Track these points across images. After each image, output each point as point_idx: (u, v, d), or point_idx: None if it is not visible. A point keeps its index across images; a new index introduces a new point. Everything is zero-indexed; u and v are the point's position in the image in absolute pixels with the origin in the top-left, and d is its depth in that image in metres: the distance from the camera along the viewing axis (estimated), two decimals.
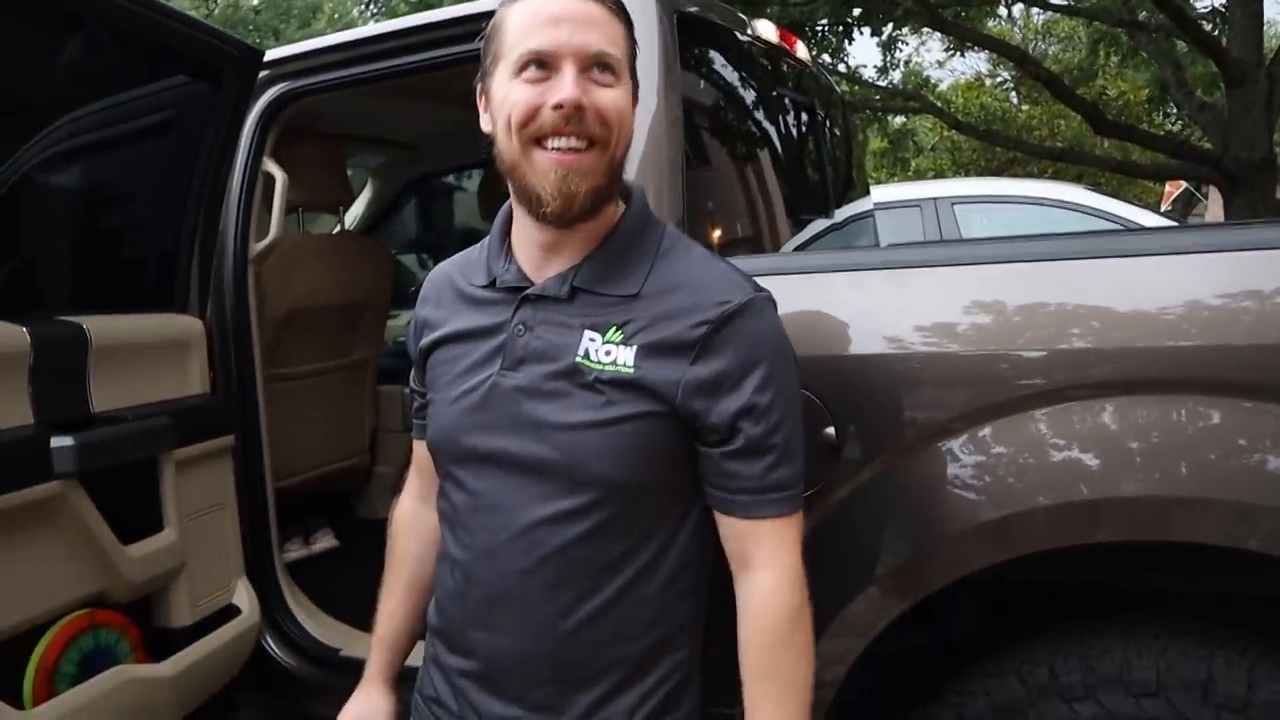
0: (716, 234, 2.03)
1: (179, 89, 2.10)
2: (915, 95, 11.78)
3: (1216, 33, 9.24)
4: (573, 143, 1.15)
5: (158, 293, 2.15)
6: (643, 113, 1.74)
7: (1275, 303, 1.32)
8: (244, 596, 2.21)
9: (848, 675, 1.55)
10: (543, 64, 1.15)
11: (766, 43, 2.40)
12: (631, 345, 1.18)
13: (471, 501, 1.27)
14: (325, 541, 3.19)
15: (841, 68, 10.73)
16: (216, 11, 20.93)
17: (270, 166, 2.50)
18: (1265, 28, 8.49)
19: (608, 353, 1.19)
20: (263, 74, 2.37)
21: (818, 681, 1.26)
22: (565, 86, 1.14)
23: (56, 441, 1.68)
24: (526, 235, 1.26)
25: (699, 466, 1.23)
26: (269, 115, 2.46)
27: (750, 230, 2.24)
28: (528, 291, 1.25)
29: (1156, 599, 1.62)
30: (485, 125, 1.25)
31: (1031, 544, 1.42)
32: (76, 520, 1.73)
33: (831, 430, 1.49)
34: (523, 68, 1.16)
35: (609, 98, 1.17)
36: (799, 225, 2.45)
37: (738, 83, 2.31)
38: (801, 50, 2.62)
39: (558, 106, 1.14)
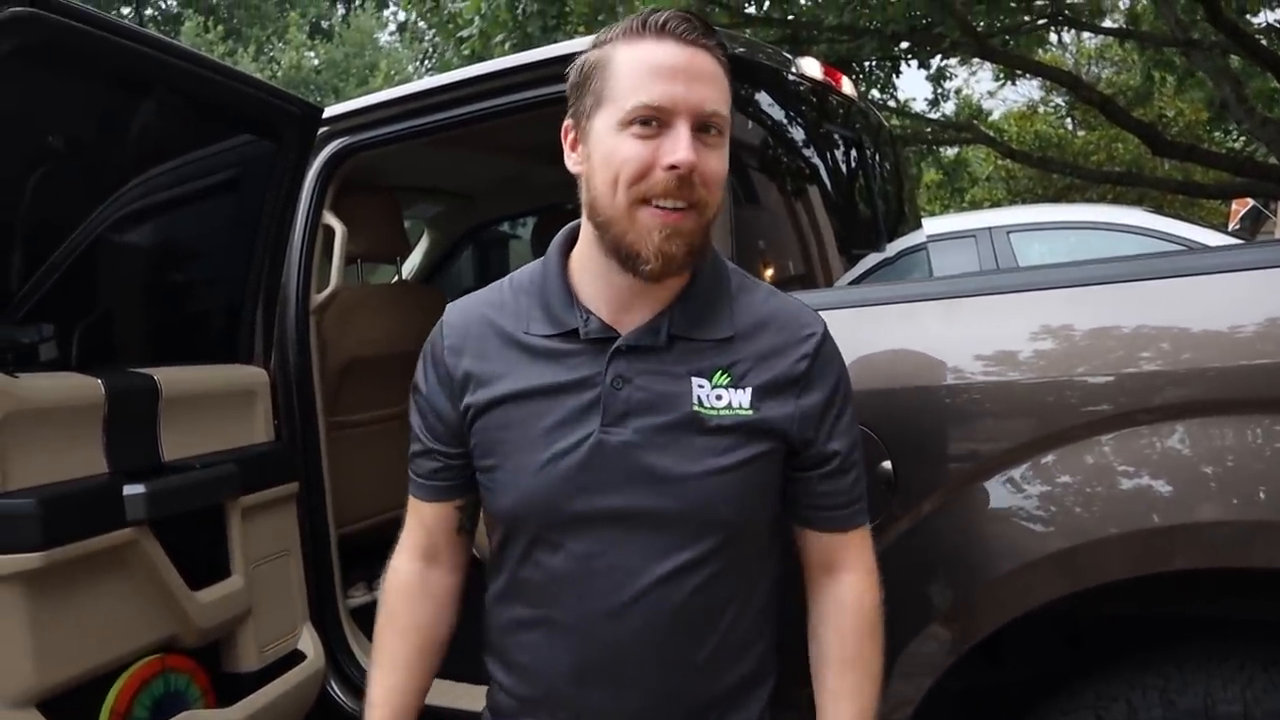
0: (768, 272, 2.03)
1: (243, 147, 2.17)
2: (967, 126, 11.70)
3: (1274, 47, 9.06)
4: (678, 204, 1.14)
5: (224, 344, 2.21)
6: None
7: None
8: (309, 642, 2.24)
9: (914, 716, 1.52)
10: (655, 119, 1.12)
11: (812, 80, 2.41)
12: (744, 387, 1.20)
13: (579, 565, 1.20)
14: None
15: (891, 102, 10.70)
16: (280, 73, 21.60)
17: (330, 219, 2.56)
18: None
19: (719, 397, 1.19)
20: (322, 130, 2.44)
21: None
22: (681, 148, 1.11)
23: (129, 489, 1.72)
24: (607, 285, 1.21)
25: (788, 492, 1.28)
26: (328, 170, 2.52)
27: (802, 267, 2.24)
28: (619, 343, 1.19)
29: (1239, 627, 1.57)
30: (575, 166, 1.22)
31: (1102, 575, 1.39)
32: (148, 566, 1.77)
33: (889, 465, 1.47)
34: (634, 121, 1.12)
35: (716, 161, 1.16)
36: (851, 260, 2.44)
37: (785, 121, 2.32)
38: (847, 86, 2.63)
39: (672, 168, 1.11)
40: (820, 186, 2.41)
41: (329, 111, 2.44)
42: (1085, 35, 16.09)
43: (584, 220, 1.22)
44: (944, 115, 11.93)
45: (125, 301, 2.02)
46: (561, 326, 1.22)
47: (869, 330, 1.57)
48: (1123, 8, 12.94)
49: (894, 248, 2.73)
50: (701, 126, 1.14)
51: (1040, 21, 10.11)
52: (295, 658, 2.20)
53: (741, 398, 1.19)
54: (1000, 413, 1.45)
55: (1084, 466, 1.39)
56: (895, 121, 11.27)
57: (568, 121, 1.23)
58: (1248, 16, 10.09)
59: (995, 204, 15.11)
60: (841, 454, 1.25)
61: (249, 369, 2.23)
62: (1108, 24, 11.84)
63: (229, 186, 2.21)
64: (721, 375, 1.20)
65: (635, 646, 1.21)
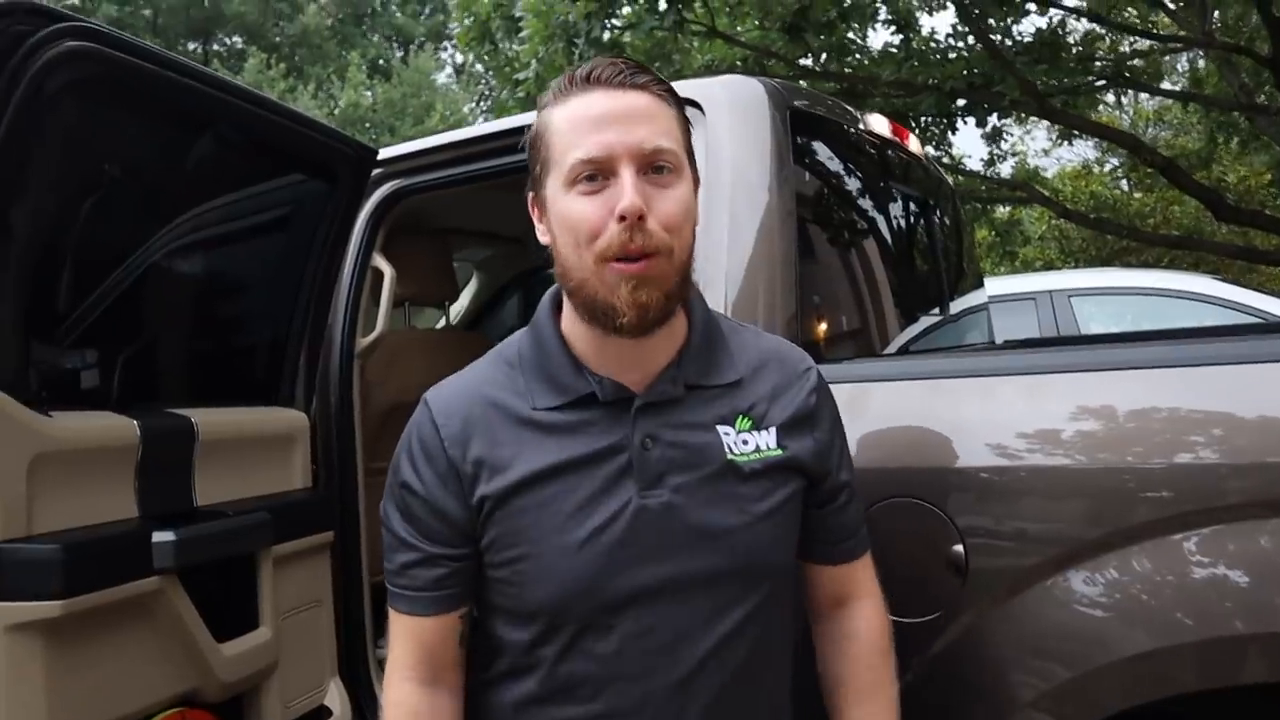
0: (825, 329, 1.95)
1: (296, 186, 2.14)
2: (1022, 185, 11.58)
3: None
4: (639, 254, 1.08)
5: (265, 386, 2.16)
6: (754, 208, 1.74)
7: None
8: (336, 697, 2.16)
9: None
10: (598, 173, 1.08)
11: (878, 136, 2.34)
12: (768, 428, 1.18)
13: (635, 645, 1.13)
14: None
15: (945, 159, 10.63)
16: (339, 111, 22.05)
17: (379, 262, 2.52)
18: None
19: (745, 442, 1.17)
20: (376, 171, 2.41)
21: None
22: (625, 195, 1.06)
23: (158, 536, 1.66)
24: (603, 348, 1.15)
25: (803, 529, 1.25)
26: (380, 212, 2.49)
27: (860, 324, 2.16)
28: (641, 401, 1.14)
29: None
30: (543, 237, 1.17)
31: (1180, 685, 1.27)
32: (173, 616, 1.71)
33: (960, 548, 1.38)
34: (577, 179, 1.09)
35: (671, 202, 1.10)
36: (911, 319, 2.36)
37: (848, 176, 2.25)
38: (914, 143, 2.56)
39: (621, 218, 1.06)
40: (882, 244, 2.33)
41: (384, 154, 2.41)
42: (1143, 97, 15.93)
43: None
44: (996, 174, 11.80)
45: (168, 337, 1.98)
46: (573, 394, 1.15)
47: (944, 404, 1.48)
48: (1181, 70, 12.81)
49: (955, 307, 2.64)
50: (651, 168, 1.09)
51: (1100, 82, 10.03)
52: (322, 714, 2.13)
53: (768, 439, 1.18)
54: (1080, 499, 1.35)
55: (1170, 565, 1.28)
56: (949, 179, 11.17)
57: (529, 194, 1.19)
58: None
59: (1048, 264, 14.91)
60: (849, 485, 1.27)
61: (289, 412, 2.18)
62: (1168, 86, 11.71)
63: (279, 225, 2.18)
64: (743, 420, 1.18)
65: (711, 707, 1.15)
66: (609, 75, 1.10)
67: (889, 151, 2.42)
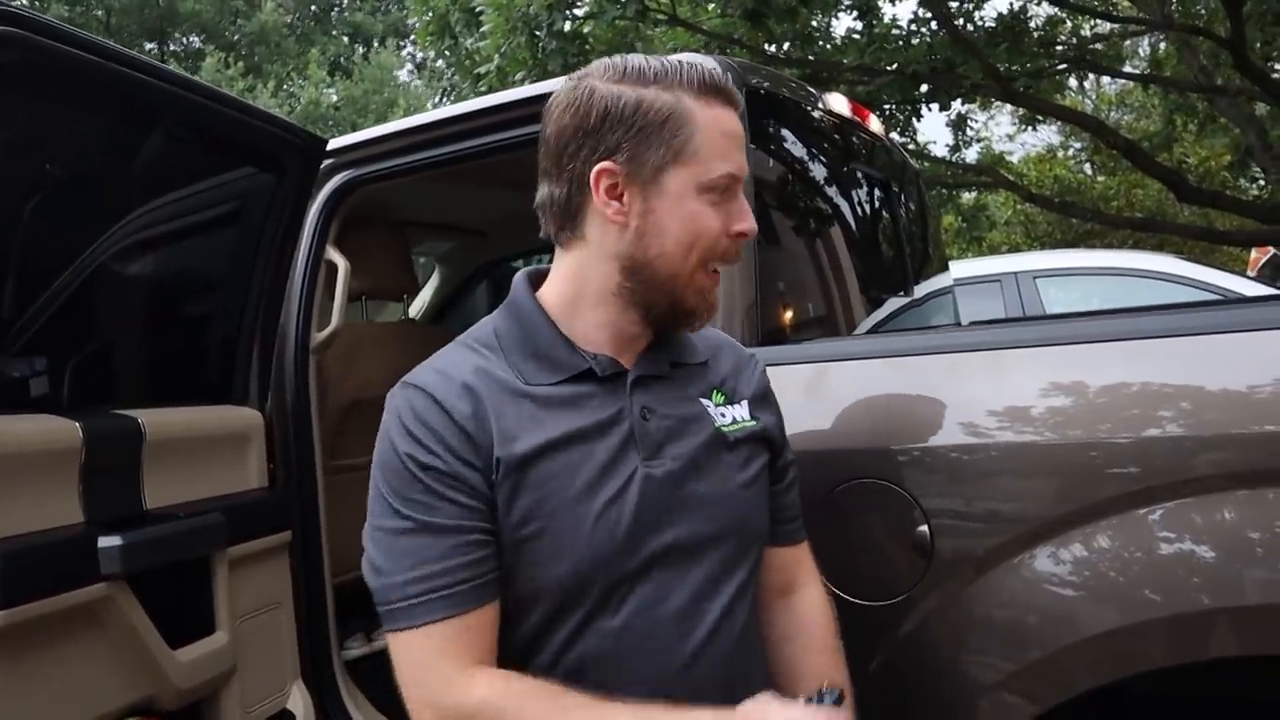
0: (789, 314, 1.92)
1: (243, 179, 2.09)
2: (987, 170, 11.63)
3: None
4: (727, 265, 1.18)
5: (217, 384, 2.11)
6: None
7: None
8: (299, 701, 2.12)
9: None
10: (729, 188, 1.13)
11: (838, 116, 2.31)
12: (739, 401, 1.23)
13: (645, 619, 1.11)
14: None
15: (911, 145, 10.65)
16: (300, 109, 21.80)
17: (333, 255, 2.47)
18: None
19: (724, 414, 1.21)
20: (327, 162, 2.35)
21: None
22: (748, 217, 1.15)
23: (104, 541, 1.61)
24: (610, 328, 1.17)
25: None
26: (333, 203, 2.43)
27: (824, 309, 2.13)
28: (635, 374, 1.17)
29: None
30: (615, 215, 1.12)
31: (1149, 661, 1.25)
32: (123, 624, 1.65)
33: (925, 529, 1.35)
34: (711, 188, 1.11)
35: None
36: (875, 303, 2.33)
37: (809, 158, 2.22)
38: (874, 123, 2.53)
39: (740, 235, 1.14)
40: (845, 226, 2.30)
41: (334, 144, 2.35)
42: (1105, 81, 16.06)
43: (593, 269, 1.16)
44: (961, 159, 11.84)
45: (112, 340, 1.92)
46: (570, 370, 1.15)
47: (907, 381, 1.45)
48: (1143, 54, 12.92)
49: (920, 290, 2.62)
50: None
51: (1062, 66, 10.08)
52: (284, 718, 2.08)
53: (742, 411, 1.23)
54: (1050, 476, 1.32)
55: (1139, 540, 1.26)
56: (914, 164, 11.20)
57: (609, 165, 1.10)
58: (1272, 63, 10.05)
59: (1014, 248, 15.00)
60: (794, 464, 1.32)
61: (242, 411, 2.12)
62: (1129, 69, 11.79)
63: (227, 219, 2.12)
64: (718, 394, 1.22)
65: (711, 686, 1.14)
66: (734, 96, 1.15)
67: (850, 132, 2.39)
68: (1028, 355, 1.39)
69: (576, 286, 1.18)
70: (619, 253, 1.13)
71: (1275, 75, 9.35)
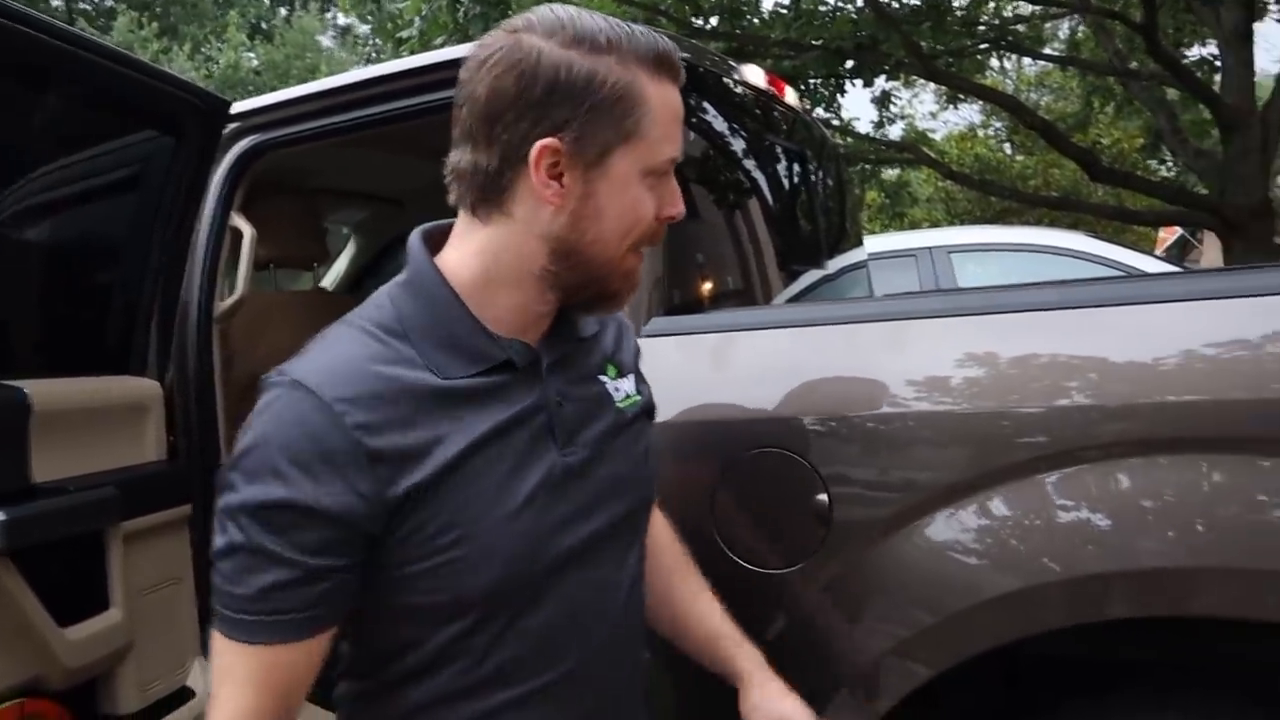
0: (699, 288, 1.92)
1: (140, 142, 2.01)
2: (909, 147, 11.78)
3: (1207, 80, 9.27)
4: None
5: (115, 354, 2.04)
6: None
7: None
8: (200, 677, 2.07)
9: None
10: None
11: (753, 88, 2.31)
12: (627, 374, 1.21)
13: (568, 607, 1.08)
14: None
15: (835, 121, 10.75)
16: (217, 73, 21.16)
17: (238, 221, 2.40)
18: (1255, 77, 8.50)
19: (617, 389, 1.18)
20: (233, 126, 2.28)
21: None
22: (679, 200, 1.08)
23: None
24: (522, 310, 1.07)
25: None
26: (238, 168, 2.36)
27: (738, 283, 2.13)
28: (550, 360, 1.10)
29: (1179, 674, 1.49)
30: (552, 197, 1.01)
31: (1044, 622, 1.29)
32: (7, 601, 1.59)
33: (824, 497, 1.36)
34: (653, 172, 1.03)
35: None
36: (790, 277, 2.34)
37: (725, 130, 2.21)
38: (791, 96, 2.54)
39: (670, 219, 1.07)
40: (760, 199, 2.30)
41: (238, 106, 2.28)
42: (1025, 62, 16.36)
43: (516, 249, 1.04)
44: (884, 135, 11.99)
45: (3, 307, 1.84)
46: (487, 362, 1.05)
47: (804, 351, 1.45)
48: (1063, 37, 13.19)
49: (835, 265, 2.64)
50: None
51: (983, 45, 10.24)
52: (183, 696, 2.03)
53: (630, 384, 1.20)
54: (945, 445, 1.34)
55: (1030, 506, 1.28)
56: (839, 140, 11.31)
57: (553, 143, 0.99)
58: (1183, 49, 10.34)
59: (935, 225, 15.27)
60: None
61: (140, 381, 2.06)
62: (1049, 51, 12.02)
63: (124, 184, 2.04)
64: (610, 367, 1.19)
65: (626, 652, 1.16)
66: (682, 73, 1.06)
67: (766, 105, 2.39)
68: (920, 326, 1.41)
69: (491, 265, 1.06)
70: (549, 235, 1.03)
71: (1185, 61, 9.63)
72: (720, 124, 2.20)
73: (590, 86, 0.98)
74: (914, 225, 15.12)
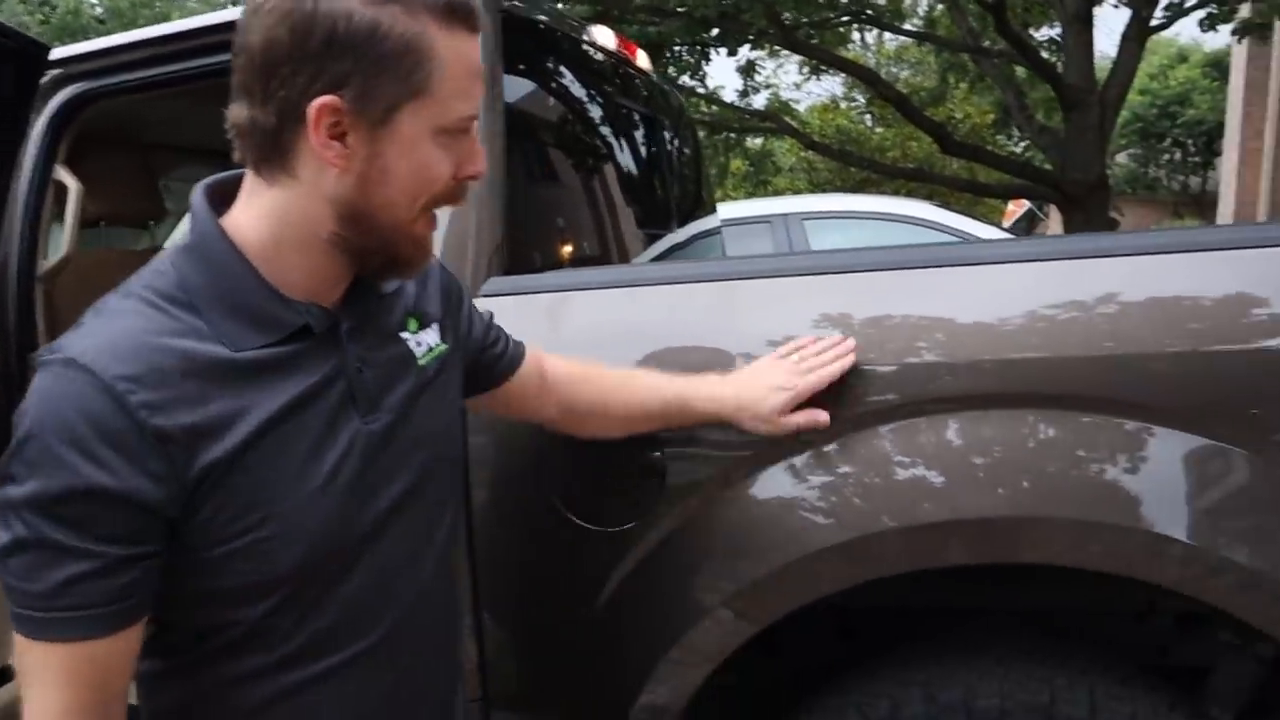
0: (543, 253, 1.90)
1: None
2: (771, 116, 11.99)
3: (1053, 60, 9.72)
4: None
5: None
6: None
7: (1101, 313, 1.28)
8: None
9: (687, 708, 1.45)
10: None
11: (604, 50, 2.31)
12: (431, 325, 1.17)
13: (378, 575, 1.06)
14: None
15: (700, 89, 10.84)
16: (56, 20, 19.87)
17: (63, 175, 2.27)
18: (1096, 59, 8.96)
19: (420, 343, 1.14)
20: (56, 73, 2.15)
21: (656, 710, 1.39)
22: (480, 158, 1.02)
23: None
24: (319, 273, 1.02)
25: (479, 378, 1.31)
26: (63, 119, 2.23)
27: (594, 247, 2.14)
28: (348, 324, 1.05)
29: (1001, 619, 1.59)
30: (339, 160, 0.94)
31: (877, 569, 1.35)
32: None
33: (658, 454, 1.39)
34: (446, 130, 0.97)
35: None
36: (640, 244, 2.36)
37: (567, 89, 2.20)
38: (643, 59, 2.54)
39: (469, 178, 1.02)
40: (610, 164, 2.31)
41: (60, 52, 2.15)
42: (886, 36, 16.80)
43: (303, 211, 0.98)
44: (748, 105, 12.17)
45: None
46: (282, 330, 0.99)
47: (642, 311, 1.48)
48: (921, 12, 13.60)
49: (687, 231, 2.67)
50: None
51: (844, 18, 10.47)
52: (5, 675, 1.95)
53: (433, 335, 1.17)
54: None
55: (863, 459, 1.34)
56: (704, 108, 11.42)
57: (333, 101, 0.92)
58: (1030, 30, 10.80)
59: (798, 193, 15.61)
60: (487, 314, 1.34)
61: None
62: (908, 27, 12.37)
63: None
64: (412, 321, 1.15)
65: (440, 619, 1.17)
66: (479, 22, 1.00)
67: (615, 66, 2.39)
68: (750, 286, 1.45)
69: (279, 227, 0.99)
70: (336, 198, 0.97)
71: (1032, 41, 10.06)
72: (561, 82, 2.19)
73: (373, 38, 0.91)
74: (778, 193, 15.43)
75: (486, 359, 1.32)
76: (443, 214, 1.56)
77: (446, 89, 0.95)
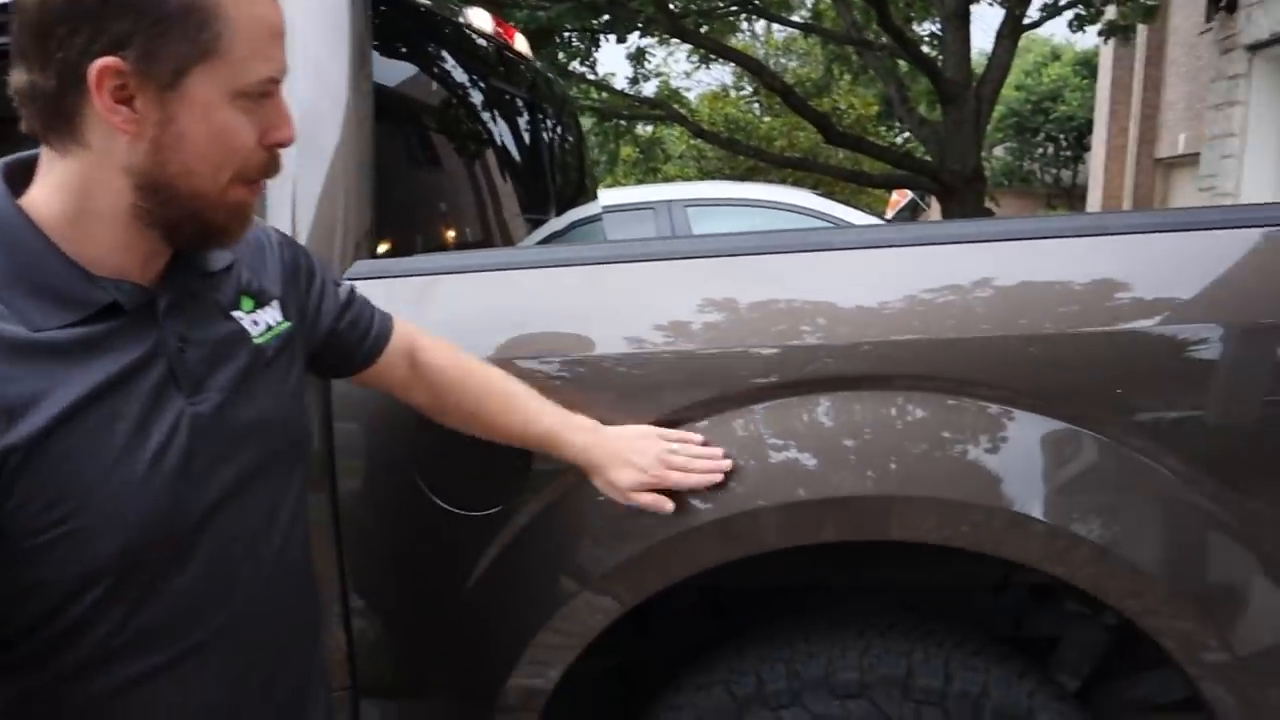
0: (413, 239, 1.86)
1: None
2: (661, 104, 12.05)
3: (933, 55, 10.02)
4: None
5: None
6: (330, 106, 1.57)
7: (955, 299, 1.33)
8: None
9: (556, 691, 1.45)
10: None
11: (480, 32, 2.28)
12: (271, 303, 1.13)
13: (217, 563, 1.02)
14: None
15: (590, 75, 10.83)
16: None
17: None
18: (973, 54, 9.28)
19: (256, 322, 1.10)
20: None
21: (526, 693, 1.39)
22: (288, 124, 0.98)
23: None
24: (131, 248, 0.97)
25: (336, 353, 1.27)
26: None
27: (466, 235, 2.11)
28: (167, 301, 0.99)
29: (863, 595, 1.63)
30: (128, 125, 0.90)
31: (745, 548, 1.37)
32: None
33: None
34: (246, 94, 0.94)
35: None
36: (524, 230, 2.34)
37: (447, 73, 2.17)
38: (521, 43, 2.52)
39: (277, 145, 0.98)
40: (487, 148, 2.28)
41: None
42: (775, 27, 17.03)
43: (100, 183, 0.93)
44: (639, 92, 12.22)
45: None
46: (88, 307, 0.94)
47: (509, 296, 1.47)
48: (808, 4, 13.84)
49: (566, 218, 2.66)
50: None
51: (732, 8, 10.59)
52: None
53: (274, 314, 1.13)
54: (646, 382, 1.40)
55: (735, 438, 1.36)
56: (594, 95, 11.41)
57: (115, 62, 0.87)
58: (912, 24, 11.11)
59: (687, 180, 15.75)
60: (348, 285, 1.31)
61: None
62: (794, 18, 12.58)
63: None
64: (246, 300, 1.10)
65: (288, 609, 1.13)
66: None
67: (493, 50, 2.36)
68: (616, 270, 1.46)
69: (78, 200, 0.93)
70: (131, 166, 0.92)
71: (913, 35, 10.34)
72: (443, 66, 2.16)
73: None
74: (667, 180, 15.52)
75: (344, 342, 1.28)
76: (310, 197, 1.58)
77: (241, 50, 0.92)
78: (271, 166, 1.00)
